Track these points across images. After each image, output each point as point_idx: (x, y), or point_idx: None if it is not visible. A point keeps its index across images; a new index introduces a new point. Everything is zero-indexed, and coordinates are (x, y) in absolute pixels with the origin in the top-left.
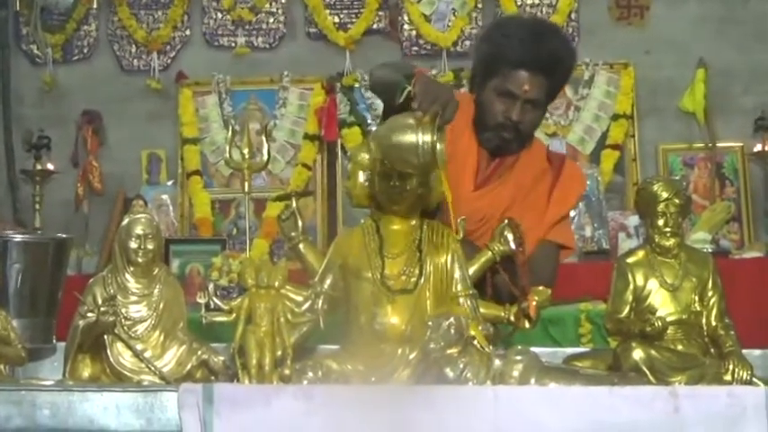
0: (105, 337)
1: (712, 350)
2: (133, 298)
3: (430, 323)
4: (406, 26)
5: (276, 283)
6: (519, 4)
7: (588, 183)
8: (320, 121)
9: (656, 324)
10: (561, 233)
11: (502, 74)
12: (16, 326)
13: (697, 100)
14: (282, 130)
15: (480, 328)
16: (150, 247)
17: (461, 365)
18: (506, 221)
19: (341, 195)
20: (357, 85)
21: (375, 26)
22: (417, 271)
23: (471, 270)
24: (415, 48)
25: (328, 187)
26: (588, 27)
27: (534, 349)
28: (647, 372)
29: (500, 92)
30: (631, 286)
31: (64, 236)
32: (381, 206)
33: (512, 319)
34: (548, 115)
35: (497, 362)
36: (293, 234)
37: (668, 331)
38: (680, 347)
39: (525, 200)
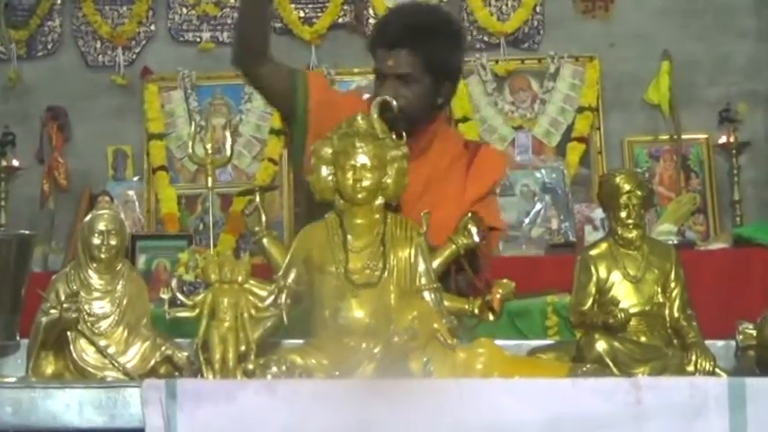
0: (68, 333)
1: (675, 341)
2: (96, 294)
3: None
4: (371, 20)
5: (239, 278)
6: None
7: (554, 175)
8: None
9: (619, 316)
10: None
11: (374, 57)
12: None
13: (662, 92)
14: (248, 125)
15: (444, 321)
16: (113, 242)
17: (425, 359)
18: (470, 214)
19: None
20: None
21: (340, 20)
22: (381, 265)
23: (435, 263)
24: None
25: (294, 182)
26: (553, 20)
27: (499, 342)
28: (611, 363)
29: (376, 75)
30: (594, 278)
31: (27, 232)
32: (345, 200)
33: (476, 311)
34: (513, 108)
35: (461, 355)
36: (257, 229)
37: (631, 323)
38: (643, 339)
39: (442, 183)
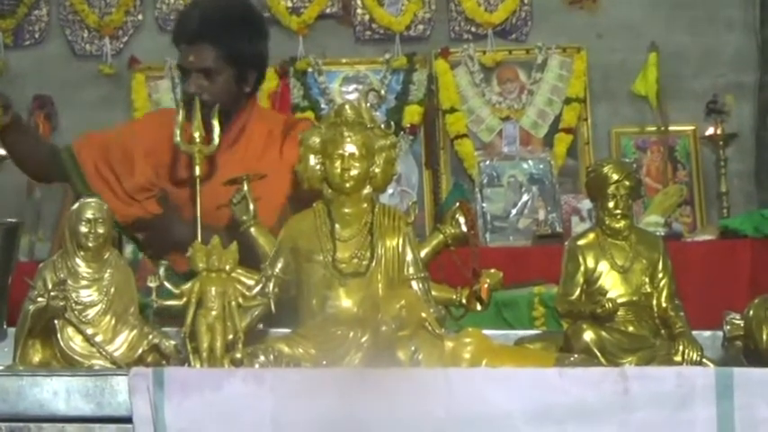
0: (56, 321)
1: (663, 331)
2: (84, 282)
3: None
4: (359, 10)
5: (227, 267)
6: None
7: (541, 166)
8: (273, 106)
9: (607, 306)
10: None
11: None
12: None
13: (649, 83)
14: None
15: (432, 310)
16: (100, 231)
17: (413, 348)
18: (458, 204)
19: None
20: (310, 69)
21: (328, 10)
22: (369, 254)
23: (423, 253)
24: (368, 32)
25: None
26: (541, 11)
27: (486, 331)
28: (598, 353)
29: (180, 70)
30: (582, 268)
31: (13, 221)
32: (333, 189)
33: (463, 301)
34: (501, 99)
35: (449, 344)
36: (244, 218)
37: (619, 313)
38: (630, 329)
39: (261, 160)
